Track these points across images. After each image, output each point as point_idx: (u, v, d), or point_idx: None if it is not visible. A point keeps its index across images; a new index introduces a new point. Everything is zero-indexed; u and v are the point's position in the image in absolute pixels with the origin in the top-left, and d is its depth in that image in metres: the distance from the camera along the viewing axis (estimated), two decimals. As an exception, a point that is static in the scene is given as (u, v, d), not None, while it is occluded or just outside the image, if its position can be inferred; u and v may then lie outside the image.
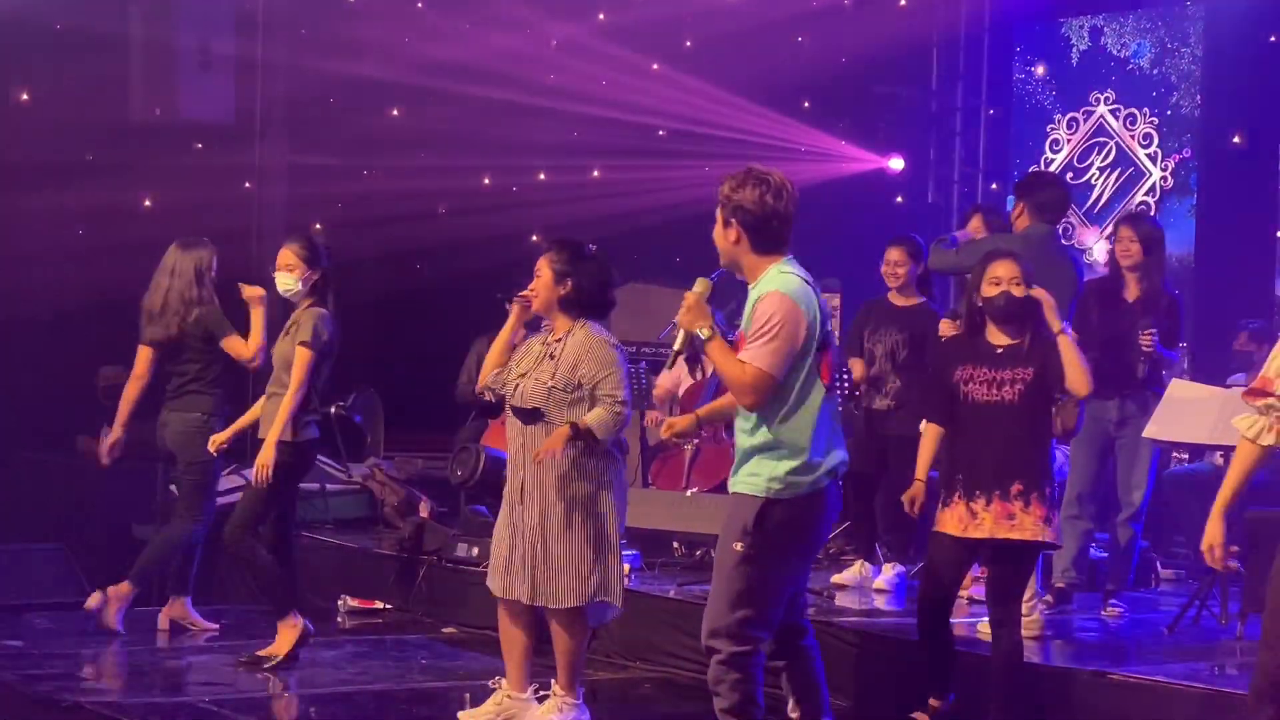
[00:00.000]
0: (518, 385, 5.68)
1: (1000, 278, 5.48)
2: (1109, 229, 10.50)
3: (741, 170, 4.87)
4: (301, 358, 6.67)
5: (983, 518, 5.39)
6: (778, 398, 4.75)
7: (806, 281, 4.80)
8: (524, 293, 5.79)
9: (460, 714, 5.82)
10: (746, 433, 4.82)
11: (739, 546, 4.75)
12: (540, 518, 5.59)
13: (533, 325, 6.00)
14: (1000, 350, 5.49)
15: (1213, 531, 4.24)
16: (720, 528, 4.87)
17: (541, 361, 5.68)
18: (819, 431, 4.77)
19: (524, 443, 5.65)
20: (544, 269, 5.71)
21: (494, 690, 5.83)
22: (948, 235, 7.38)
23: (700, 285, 4.82)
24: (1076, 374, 5.39)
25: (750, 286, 4.87)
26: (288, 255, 6.82)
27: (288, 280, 6.80)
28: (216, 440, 6.94)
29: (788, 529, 4.75)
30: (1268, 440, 4.15)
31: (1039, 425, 5.46)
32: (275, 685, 6.63)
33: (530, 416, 5.63)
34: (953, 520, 5.46)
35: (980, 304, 5.53)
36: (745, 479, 4.80)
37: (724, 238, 4.86)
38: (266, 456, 6.61)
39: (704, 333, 4.72)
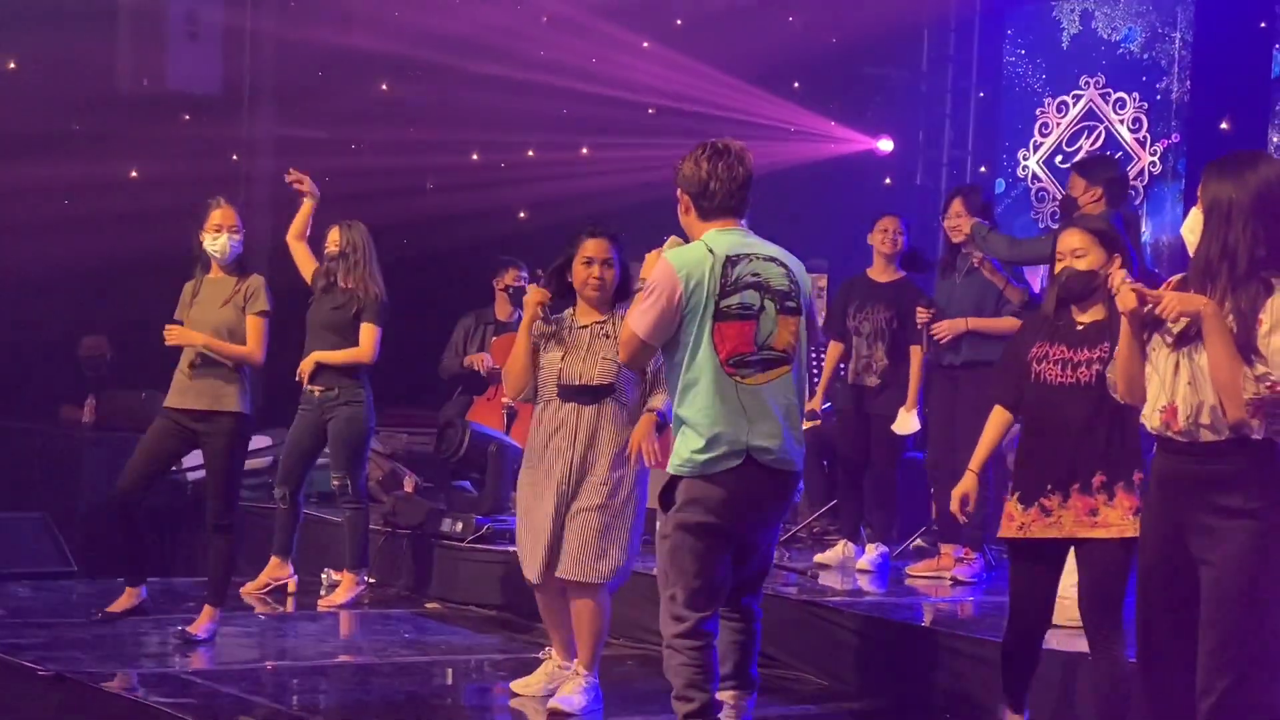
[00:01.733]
0: (564, 370, 5.61)
1: (1063, 251, 4.93)
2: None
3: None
4: (261, 328, 6.68)
5: (1059, 515, 4.82)
6: (674, 372, 4.76)
7: (711, 250, 4.72)
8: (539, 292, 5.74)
9: (513, 684, 5.85)
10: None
11: (659, 525, 4.81)
12: (594, 497, 5.56)
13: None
14: (1081, 327, 4.89)
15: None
16: None
17: (594, 342, 5.64)
18: (716, 408, 4.69)
19: (581, 423, 5.59)
20: (610, 261, 5.68)
21: (544, 660, 5.88)
22: (983, 221, 7.27)
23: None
24: None
25: None
26: (231, 215, 6.75)
27: (229, 241, 6.72)
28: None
29: (690, 507, 4.70)
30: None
31: (1122, 406, 4.62)
32: (258, 657, 6.63)
33: (595, 394, 5.58)
34: (1024, 520, 4.88)
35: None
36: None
37: (680, 210, 4.93)
38: (231, 426, 6.62)
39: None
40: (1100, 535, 4.78)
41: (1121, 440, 4.79)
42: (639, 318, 4.72)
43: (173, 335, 6.69)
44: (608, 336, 5.62)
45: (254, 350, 6.71)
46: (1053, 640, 5.62)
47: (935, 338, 7.39)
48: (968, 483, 5.05)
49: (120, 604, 6.96)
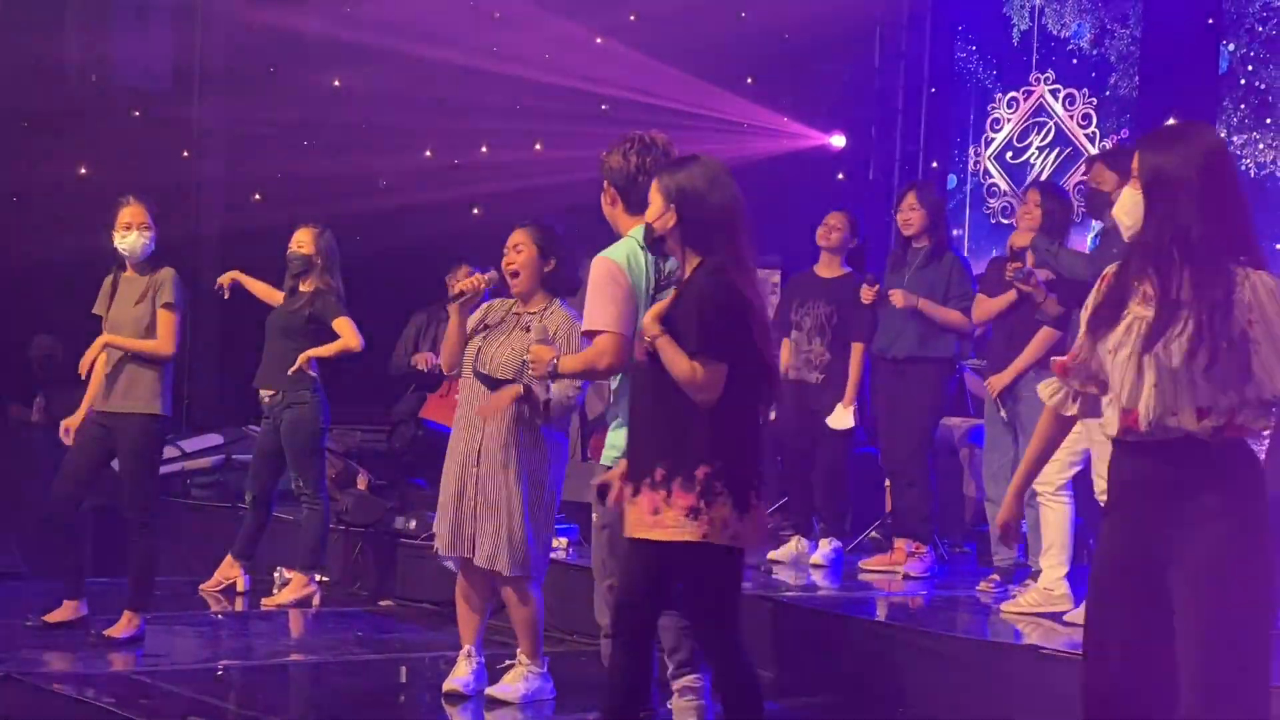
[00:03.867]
0: (481, 350, 5.65)
1: None
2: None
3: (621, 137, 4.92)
4: (171, 321, 6.57)
5: (630, 511, 4.33)
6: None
7: (642, 246, 4.70)
8: (474, 280, 5.73)
9: (445, 686, 5.83)
10: None
11: (595, 516, 4.81)
12: (500, 484, 5.58)
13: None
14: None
15: (1011, 510, 3.97)
16: None
17: (513, 331, 5.67)
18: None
19: (484, 408, 5.63)
20: (527, 244, 5.70)
21: (465, 657, 5.86)
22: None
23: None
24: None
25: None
26: (140, 213, 6.63)
27: (139, 239, 6.61)
28: (69, 424, 6.72)
29: None
30: (1070, 411, 3.84)
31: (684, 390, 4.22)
32: (210, 657, 6.59)
33: (496, 385, 5.61)
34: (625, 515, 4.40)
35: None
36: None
37: (604, 202, 4.94)
38: (143, 426, 6.55)
39: (553, 365, 4.80)
40: (657, 537, 4.24)
41: (686, 428, 4.24)
42: (599, 313, 4.66)
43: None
44: (526, 330, 5.65)
45: (161, 344, 6.57)
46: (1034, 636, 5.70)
47: (890, 303, 7.36)
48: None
49: (58, 615, 6.78)
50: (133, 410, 6.55)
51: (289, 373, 7.65)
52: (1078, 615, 5.82)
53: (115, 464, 6.76)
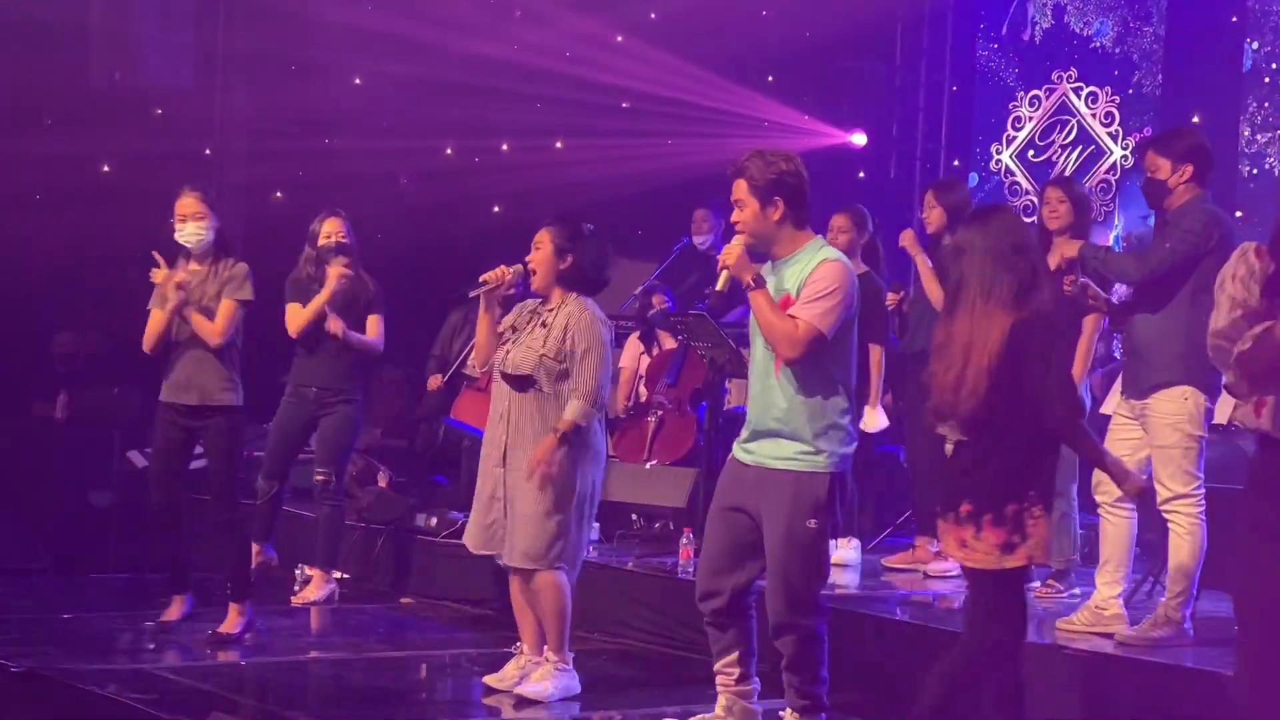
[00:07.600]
0: (508, 352, 5.73)
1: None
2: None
3: (754, 152, 5.05)
4: (233, 312, 6.60)
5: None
6: (838, 377, 4.93)
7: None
8: (500, 270, 5.75)
9: (486, 678, 5.90)
10: (799, 410, 4.91)
11: (813, 524, 4.92)
12: (526, 483, 5.63)
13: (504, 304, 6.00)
14: None
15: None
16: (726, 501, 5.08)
17: (534, 328, 5.74)
18: (854, 407, 5.06)
19: (510, 408, 5.70)
20: (545, 242, 5.78)
21: (515, 655, 5.90)
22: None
23: (738, 241, 4.99)
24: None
25: (784, 260, 5.00)
26: (194, 204, 6.60)
27: (199, 230, 6.60)
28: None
29: (841, 501, 5.03)
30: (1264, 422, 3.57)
31: None
32: (232, 655, 6.61)
33: (521, 383, 5.69)
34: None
35: None
36: (804, 457, 4.91)
37: (764, 217, 4.95)
38: (228, 421, 6.59)
39: (751, 281, 4.90)
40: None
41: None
42: (827, 317, 4.85)
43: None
44: (544, 325, 5.72)
45: (219, 328, 6.57)
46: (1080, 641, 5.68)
47: (914, 292, 7.38)
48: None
49: (172, 613, 6.87)
50: (216, 403, 6.59)
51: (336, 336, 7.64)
52: (1130, 636, 5.74)
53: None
